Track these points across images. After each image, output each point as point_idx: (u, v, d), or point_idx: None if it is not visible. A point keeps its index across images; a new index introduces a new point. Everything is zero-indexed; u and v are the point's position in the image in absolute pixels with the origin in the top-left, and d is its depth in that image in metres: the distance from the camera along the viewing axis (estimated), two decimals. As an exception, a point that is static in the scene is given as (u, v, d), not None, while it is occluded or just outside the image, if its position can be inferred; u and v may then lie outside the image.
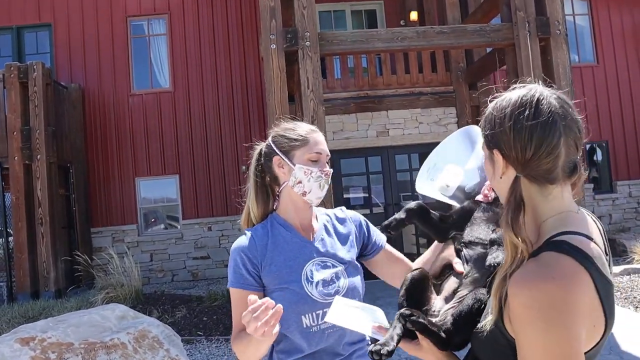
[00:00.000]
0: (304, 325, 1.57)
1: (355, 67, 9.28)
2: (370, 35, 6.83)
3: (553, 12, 6.87)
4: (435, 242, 1.48)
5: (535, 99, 1.05)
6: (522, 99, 1.05)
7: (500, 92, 1.14)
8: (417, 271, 1.42)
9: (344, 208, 1.86)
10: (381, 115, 9.24)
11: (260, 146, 1.76)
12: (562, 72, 6.81)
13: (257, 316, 1.29)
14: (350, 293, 1.62)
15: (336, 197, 8.78)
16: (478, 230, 1.35)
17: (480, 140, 1.21)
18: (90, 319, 3.51)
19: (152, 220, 10.51)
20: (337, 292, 1.59)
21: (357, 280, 1.68)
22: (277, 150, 1.68)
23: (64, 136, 9.41)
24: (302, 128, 1.70)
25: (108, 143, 10.24)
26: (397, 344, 1.23)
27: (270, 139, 1.73)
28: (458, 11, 9.42)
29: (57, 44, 10.32)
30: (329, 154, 1.71)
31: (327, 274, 1.62)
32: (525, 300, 0.95)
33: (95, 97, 10.25)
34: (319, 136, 1.69)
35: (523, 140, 1.03)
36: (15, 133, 8.59)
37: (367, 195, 9.67)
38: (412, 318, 1.23)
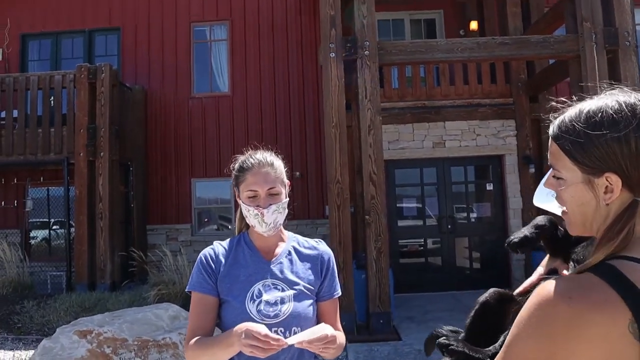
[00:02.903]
0: None
1: (413, 77, 9.19)
2: (430, 45, 6.76)
3: (622, 23, 6.62)
4: (548, 256, 1.38)
5: None
6: (637, 110, 0.93)
7: (567, 105, 1.02)
8: (492, 292, 1.35)
9: (321, 241, 1.91)
10: (438, 126, 9.12)
11: None
12: (631, 84, 6.51)
13: (263, 348, 1.43)
14: (291, 319, 1.67)
15: (389, 206, 8.71)
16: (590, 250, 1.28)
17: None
18: (145, 316, 3.61)
19: (205, 220, 10.72)
20: (276, 316, 1.65)
21: (304, 307, 1.71)
22: (233, 182, 1.80)
23: (126, 135, 9.76)
24: (249, 161, 1.76)
25: (167, 143, 10.53)
26: None
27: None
28: (520, 21, 9.20)
29: (124, 47, 10.73)
30: (274, 187, 1.73)
31: (273, 296, 1.68)
32: (531, 305, 0.91)
33: (157, 99, 10.58)
34: (258, 171, 1.73)
35: None
36: (82, 130, 8.97)
37: (420, 206, 9.55)
38: (450, 348, 1.22)
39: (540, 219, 1.33)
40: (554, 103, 1.05)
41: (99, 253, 8.91)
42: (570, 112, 0.99)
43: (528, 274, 1.39)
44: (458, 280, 9.28)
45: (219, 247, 1.80)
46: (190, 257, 9.22)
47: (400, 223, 9.43)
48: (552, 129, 1.02)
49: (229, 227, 10.51)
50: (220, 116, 10.55)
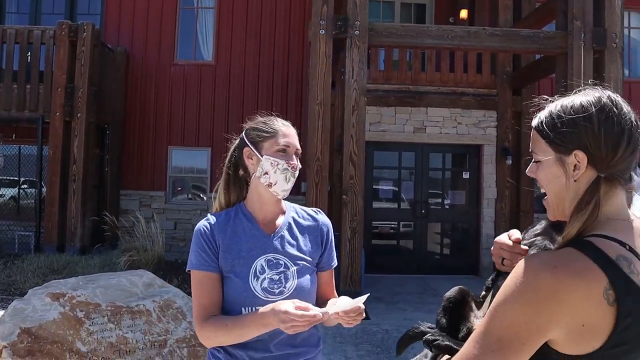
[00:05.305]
0: None
1: (400, 61, 9.18)
2: (421, 30, 6.75)
3: (611, 25, 6.70)
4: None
5: (615, 100, 1.08)
6: (602, 100, 1.07)
7: (556, 98, 1.16)
8: (455, 290, 1.42)
9: (319, 210, 1.87)
10: (420, 112, 9.15)
11: (237, 140, 1.81)
12: (614, 86, 6.58)
13: (306, 325, 1.45)
14: (295, 294, 1.65)
15: (366, 187, 8.77)
16: None
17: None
18: (119, 282, 3.57)
19: (179, 189, 10.63)
20: (281, 293, 1.64)
21: (307, 282, 1.70)
22: (247, 142, 1.74)
23: (104, 97, 9.54)
24: (274, 122, 1.74)
25: (146, 109, 10.34)
26: None
27: (244, 131, 1.78)
28: (511, 14, 9.23)
29: (108, 6, 10.42)
30: (299, 149, 1.75)
31: (276, 272, 1.66)
32: (518, 273, 1.00)
33: (138, 63, 10.35)
34: (289, 130, 1.73)
35: (614, 138, 1.05)
36: (59, 89, 8.74)
37: (396, 189, 9.63)
38: (435, 343, 1.26)
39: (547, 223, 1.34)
40: (538, 100, 1.18)
41: (70, 215, 8.78)
42: (550, 106, 1.15)
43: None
44: (428, 264, 9.43)
45: (215, 219, 1.72)
46: (163, 225, 9.16)
47: (375, 205, 9.50)
48: (534, 120, 1.17)
49: (202, 197, 10.44)
50: (202, 85, 10.39)
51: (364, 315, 1.56)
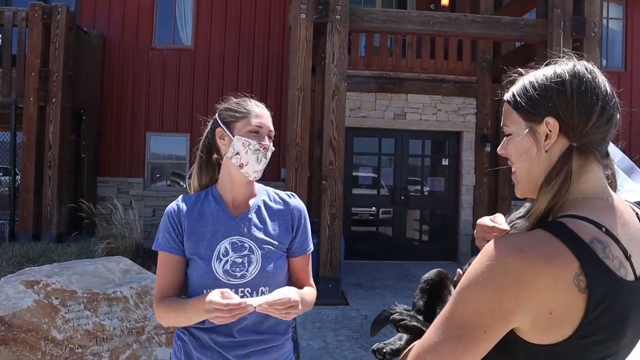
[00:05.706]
0: None
1: (381, 47, 9.14)
2: (402, 16, 6.72)
3: (590, 13, 6.74)
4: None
5: (590, 69, 1.05)
6: (576, 67, 1.04)
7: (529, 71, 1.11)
8: (433, 272, 1.39)
9: (293, 194, 1.84)
10: (400, 98, 9.14)
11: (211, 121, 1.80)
12: (591, 77, 6.71)
13: (232, 315, 1.44)
14: (259, 279, 1.64)
15: (345, 174, 8.75)
16: None
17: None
18: (95, 269, 3.52)
19: (157, 175, 10.52)
20: (243, 276, 1.62)
21: (273, 267, 1.67)
22: (219, 122, 1.72)
23: (80, 82, 9.34)
24: (247, 103, 1.73)
25: (123, 94, 10.16)
26: (407, 344, 1.21)
27: (217, 112, 1.77)
28: (492, 2, 9.24)
29: (82, -12, 10.18)
30: (272, 130, 1.73)
31: (240, 255, 1.64)
32: (483, 257, 0.95)
33: (115, 47, 10.14)
34: (262, 111, 1.73)
35: (587, 104, 1.01)
36: (33, 74, 8.53)
37: (376, 176, 9.64)
38: (401, 323, 1.23)
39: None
40: (511, 74, 1.13)
41: (46, 203, 8.62)
42: (522, 78, 1.10)
43: (474, 249, 1.38)
44: (407, 250, 9.48)
45: (184, 201, 1.71)
46: (141, 212, 9.04)
47: (355, 191, 9.51)
48: (506, 94, 1.12)
49: (182, 184, 10.34)
50: (181, 70, 10.24)
51: (299, 307, 1.53)
